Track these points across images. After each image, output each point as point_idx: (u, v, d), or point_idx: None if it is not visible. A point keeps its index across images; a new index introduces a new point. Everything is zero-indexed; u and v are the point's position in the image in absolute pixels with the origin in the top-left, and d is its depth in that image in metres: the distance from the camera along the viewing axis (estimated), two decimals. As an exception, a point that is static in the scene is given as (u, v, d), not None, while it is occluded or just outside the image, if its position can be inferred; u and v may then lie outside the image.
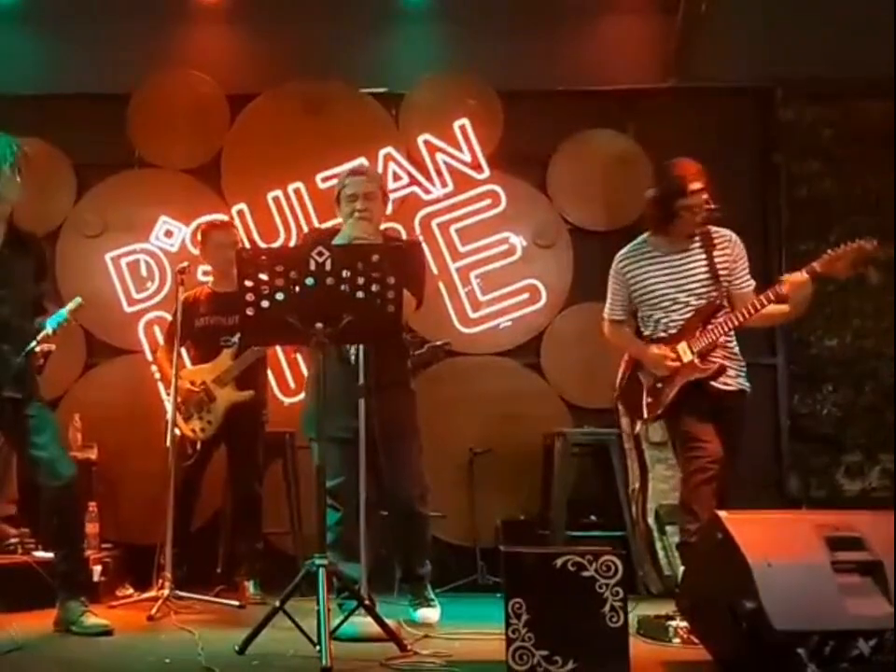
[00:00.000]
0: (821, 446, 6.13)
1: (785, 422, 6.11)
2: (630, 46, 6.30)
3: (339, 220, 4.46)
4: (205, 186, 6.18)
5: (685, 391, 4.12)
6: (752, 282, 4.14)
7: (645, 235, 4.30)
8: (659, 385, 4.21)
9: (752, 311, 4.02)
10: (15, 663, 3.41)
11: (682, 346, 4.14)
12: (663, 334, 4.22)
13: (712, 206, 4.12)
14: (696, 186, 4.11)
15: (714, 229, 4.22)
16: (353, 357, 4.06)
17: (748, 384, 4.23)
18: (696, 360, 4.10)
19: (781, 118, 6.27)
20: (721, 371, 4.10)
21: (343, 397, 4.11)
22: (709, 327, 4.10)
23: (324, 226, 5.85)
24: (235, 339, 4.99)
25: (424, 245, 5.93)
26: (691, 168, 4.14)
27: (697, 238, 4.20)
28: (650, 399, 4.26)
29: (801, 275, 3.94)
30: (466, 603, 5.04)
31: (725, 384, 4.15)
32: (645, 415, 4.33)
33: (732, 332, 4.19)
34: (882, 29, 5.71)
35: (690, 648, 3.52)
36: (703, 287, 4.16)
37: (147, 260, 6.09)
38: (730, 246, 4.20)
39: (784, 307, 4.04)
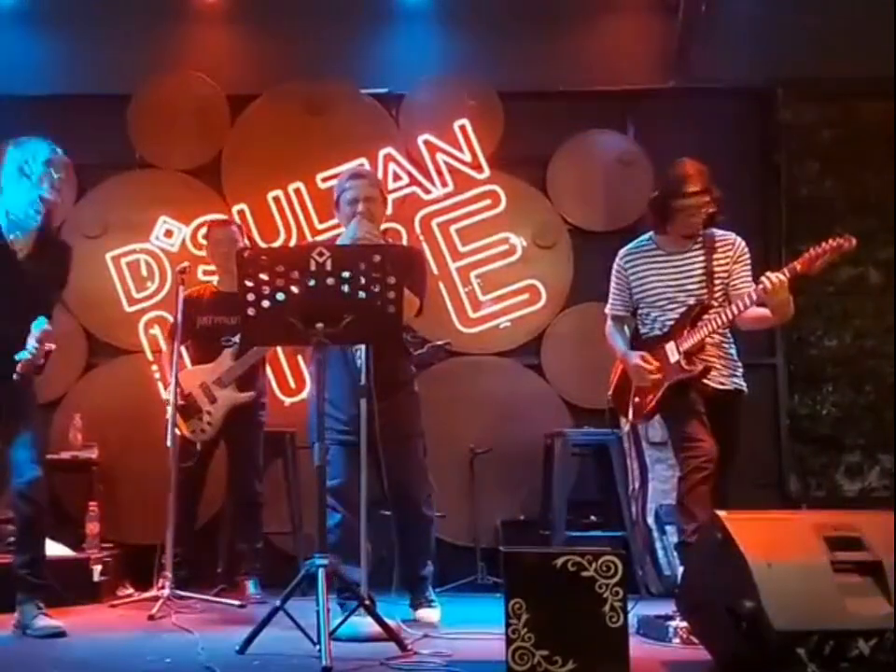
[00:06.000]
0: (821, 446, 6.13)
1: (785, 422, 6.12)
2: (630, 46, 6.31)
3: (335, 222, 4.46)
4: (206, 186, 6.19)
5: (678, 391, 4.12)
6: (752, 286, 4.12)
7: (650, 233, 4.31)
8: (646, 385, 4.22)
9: (735, 311, 4.01)
10: (14, 662, 3.42)
11: (670, 346, 4.14)
12: (658, 332, 4.23)
13: (711, 210, 4.11)
14: (693, 188, 4.09)
15: (719, 232, 4.22)
16: (359, 361, 4.05)
17: (744, 383, 4.23)
18: (682, 361, 4.10)
19: (781, 118, 6.27)
20: (706, 371, 4.10)
21: (345, 398, 4.12)
22: (697, 326, 4.10)
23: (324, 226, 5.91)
24: (236, 339, 4.99)
25: (423, 244, 5.97)
26: (691, 169, 4.12)
27: (700, 239, 4.20)
28: (636, 400, 4.26)
29: (779, 276, 3.90)
30: (466, 603, 5.05)
31: (721, 383, 4.15)
32: (630, 415, 4.33)
33: (727, 333, 4.19)
34: (882, 29, 5.72)
35: (689, 648, 3.53)
36: (700, 288, 4.16)
37: (148, 260, 6.09)
38: (732, 249, 4.19)
39: (767, 311, 4.02)
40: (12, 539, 4.91)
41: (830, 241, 3.87)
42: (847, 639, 2.83)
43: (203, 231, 5.55)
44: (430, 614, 4.30)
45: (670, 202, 4.15)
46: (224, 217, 5.77)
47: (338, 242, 4.23)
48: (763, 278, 3.92)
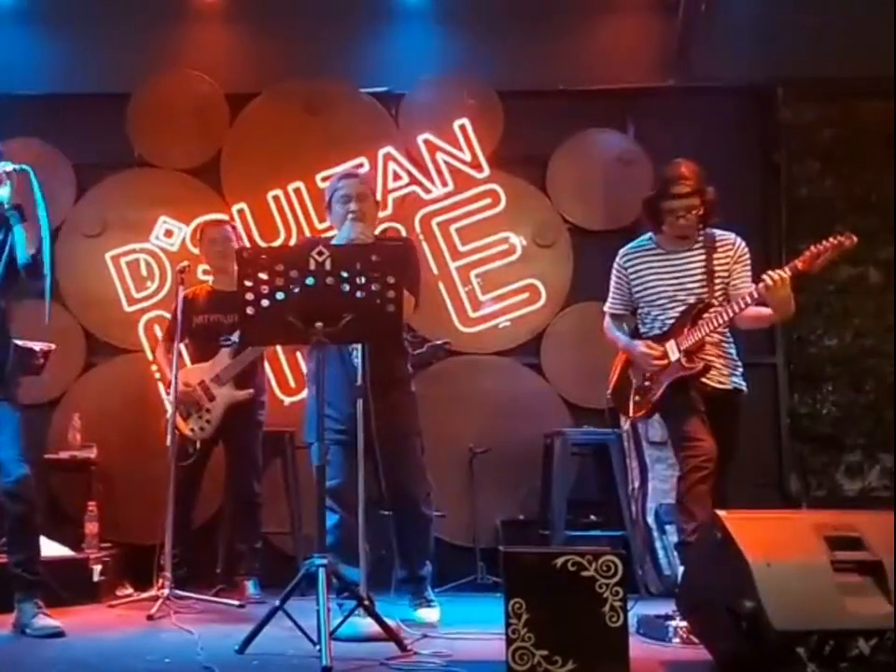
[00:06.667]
0: (821, 446, 6.13)
1: (785, 421, 6.11)
2: (630, 45, 6.30)
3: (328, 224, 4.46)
4: (205, 185, 6.19)
5: (678, 390, 4.12)
6: (752, 286, 4.11)
7: (650, 233, 4.31)
8: (647, 383, 4.22)
9: (736, 309, 4.01)
10: (13, 662, 3.41)
11: (670, 344, 4.14)
12: (658, 332, 4.23)
13: (700, 212, 4.10)
14: (679, 190, 4.09)
15: (719, 232, 4.22)
16: (355, 360, 4.05)
17: (743, 383, 4.23)
18: (682, 359, 4.10)
19: (781, 118, 6.27)
20: (707, 369, 4.10)
21: (341, 397, 4.11)
22: (697, 324, 4.10)
23: (324, 225, 5.90)
24: (235, 338, 4.99)
25: (423, 243, 5.98)
26: (682, 170, 4.12)
27: (700, 239, 4.20)
28: (637, 398, 4.26)
29: (781, 273, 3.90)
30: (466, 603, 5.04)
31: (720, 382, 4.15)
32: (631, 413, 4.33)
33: (727, 332, 4.19)
34: (882, 29, 5.71)
35: (689, 647, 3.53)
36: (700, 287, 4.16)
37: (147, 260, 6.09)
38: (732, 249, 4.19)
39: (766, 310, 4.02)
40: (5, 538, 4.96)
41: (831, 238, 3.88)
42: (847, 639, 2.83)
43: (196, 232, 5.57)
44: (430, 614, 4.31)
45: (660, 202, 4.16)
46: (224, 217, 5.77)
47: (332, 243, 4.23)
48: (764, 276, 3.92)
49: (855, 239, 3.86)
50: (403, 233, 5.97)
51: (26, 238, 3.83)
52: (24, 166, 3.83)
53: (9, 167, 3.81)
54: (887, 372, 6.10)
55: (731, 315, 4.03)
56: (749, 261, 4.21)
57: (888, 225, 6.04)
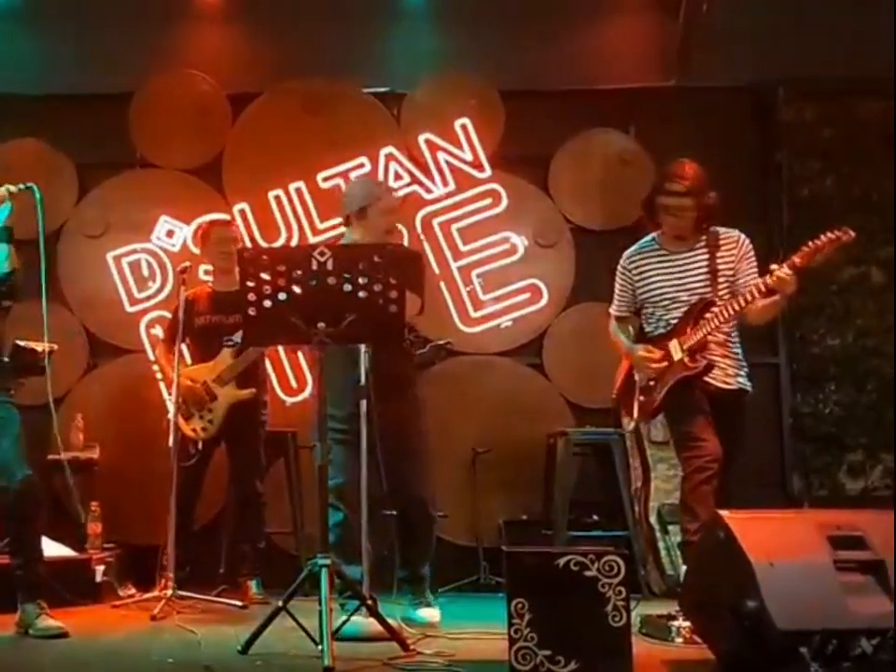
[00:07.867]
0: (823, 445, 6.13)
1: (787, 421, 6.11)
2: (631, 46, 6.30)
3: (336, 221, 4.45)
4: (207, 185, 6.19)
5: (682, 390, 4.12)
6: (759, 280, 4.11)
7: (654, 234, 4.31)
8: (651, 383, 4.22)
9: (742, 303, 4.01)
10: (17, 662, 3.42)
11: (673, 344, 4.14)
12: (662, 331, 4.23)
13: (694, 214, 4.10)
14: (673, 187, 4.09)
15: (722, 230, 4.22)
16: (359, 360, 4.05)
17: (748, 383, 4.22)
18: (686, 358, 4.10)
19: (782, 117, 6.26)
20: (709, 368, 4.09)
21: (344, 396, 4.11)
22: (700, 323, 4.10)
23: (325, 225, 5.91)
24: (237, 338, 4.99)
25: (424, 243, 5.98)
26: (683, 169, 4.11)
27: (703, 238, 4.20)
28: (642, 398, 4.26)
29: (787, 271, 3.90)
30: (468, 603, 5.05)
31: (725, 382, 4.15)
32: (636, 414, 4.33)
33: (732, 332, 4.19)
34: (882, 29, 5.71)
35: (692, 647, 3.53)
36: (704, 286, 4.16)
37: (149, 260, 6.09)
38: (736, 247, 4.19)
39: (776, 297, 4.01)
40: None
41: (828, 233, 3.88)
42: (850, 638, 2.84)
43: (199, 231, 5.58)
44: (431, 613, 4.31)
45: (655, 197, 4.17)
46: (226, 216, 5.77)
47: (341, 242, 4.24)
48: (768, 279, 3.92)
49: (853, 234, 3.86)
50: (405, 233, 5.98)
51: (9, 255, 3.88)
52: (30, 184, 3.88)
53: (14, 188, 3.87)
54: (888, 372, 6.09)
55: (735, 310, 4.03)
56: (754, 257, 4.21)
57: (888, 224, 6.04)
